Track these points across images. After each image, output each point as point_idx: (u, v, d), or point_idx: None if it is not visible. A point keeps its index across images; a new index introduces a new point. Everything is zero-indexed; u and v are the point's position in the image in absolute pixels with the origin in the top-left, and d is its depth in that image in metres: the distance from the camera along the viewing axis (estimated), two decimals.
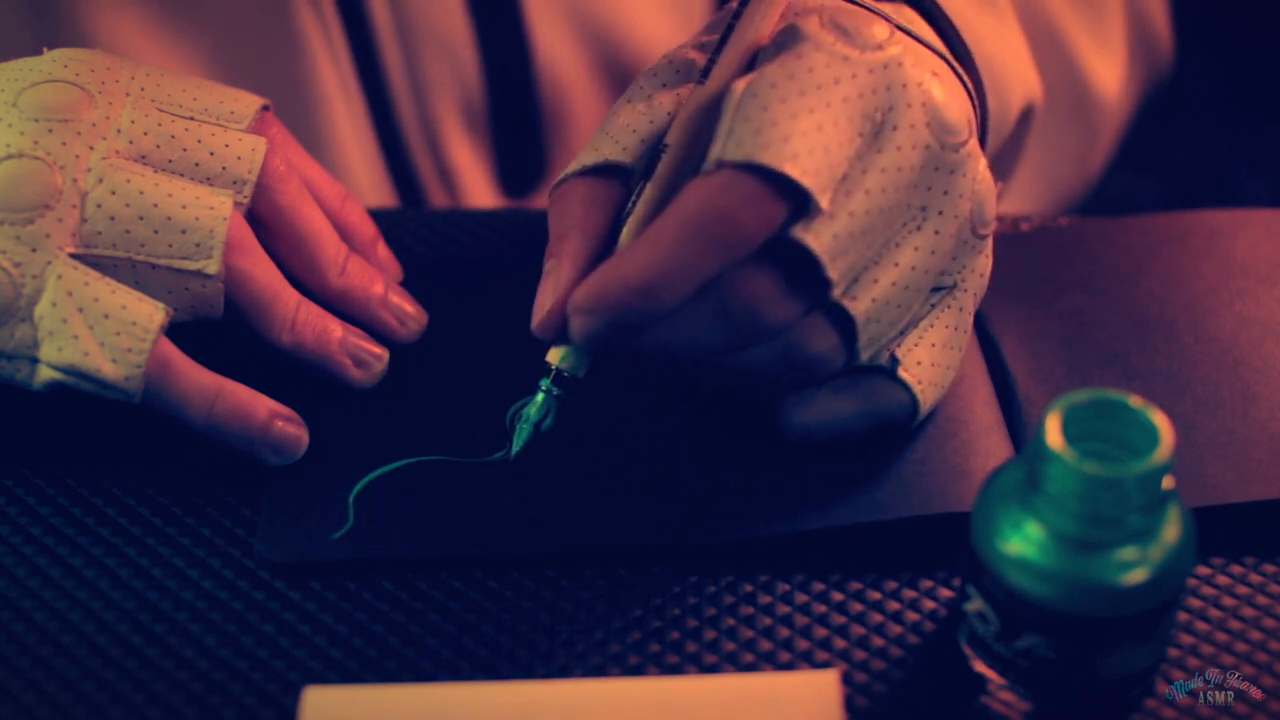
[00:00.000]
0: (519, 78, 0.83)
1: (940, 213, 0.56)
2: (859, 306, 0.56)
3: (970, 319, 0.60)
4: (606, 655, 0.54)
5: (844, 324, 0.56)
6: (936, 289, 0.59)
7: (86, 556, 0.57)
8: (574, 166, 0.57)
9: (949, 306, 0.59)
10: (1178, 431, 0.54)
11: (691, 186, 0.53)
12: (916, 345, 0.58)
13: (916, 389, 0.58)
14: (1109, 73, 0.83)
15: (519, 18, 0.82)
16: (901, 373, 0.58)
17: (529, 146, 0.86)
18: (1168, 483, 0.48)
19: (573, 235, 0.56)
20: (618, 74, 0.86)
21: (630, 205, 0.56)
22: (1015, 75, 0.66)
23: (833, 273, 0.54)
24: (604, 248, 0.56)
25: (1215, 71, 1.20)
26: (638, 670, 0.54)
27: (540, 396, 0.57)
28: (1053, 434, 0.48)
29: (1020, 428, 0.61)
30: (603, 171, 0.57)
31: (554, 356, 0.57)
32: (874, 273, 0.56)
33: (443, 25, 0.81)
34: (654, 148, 0.57)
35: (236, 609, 0.56)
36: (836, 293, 0.55)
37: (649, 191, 0.56)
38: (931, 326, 0.59)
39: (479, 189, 0.86)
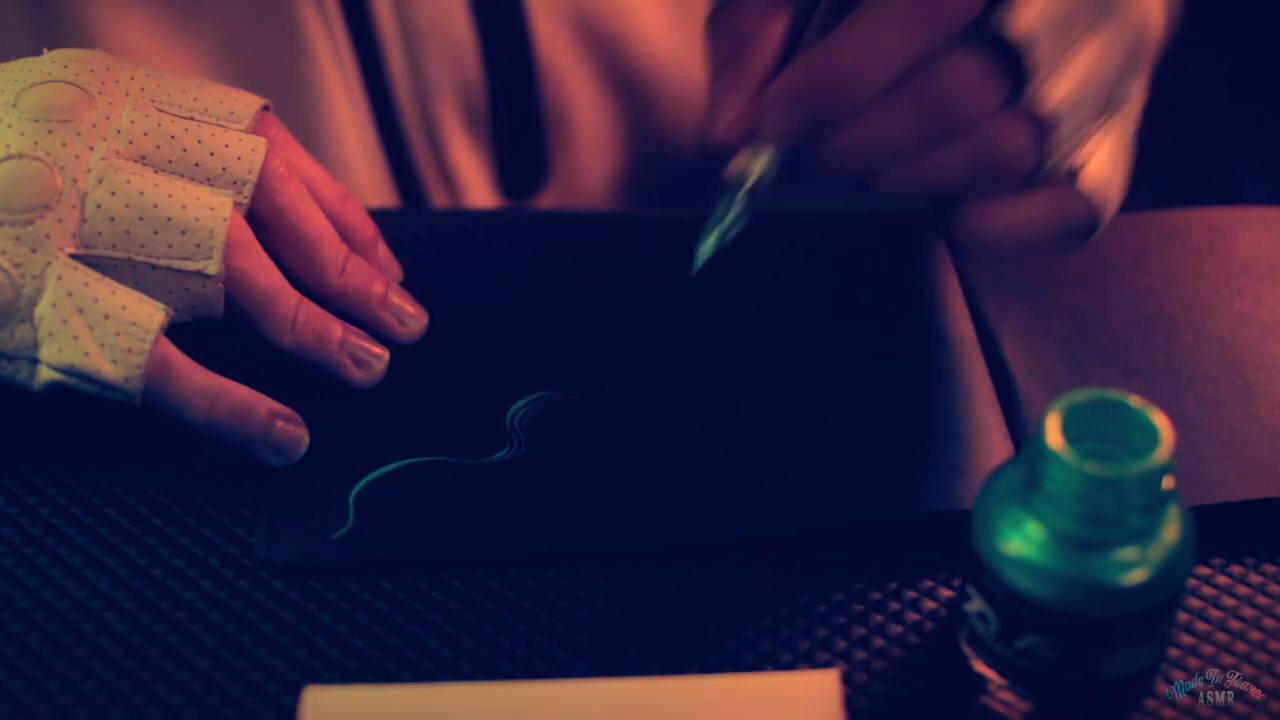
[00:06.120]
0: (521, 80, 0.83)
1: (1120, 17, 0.57)
2: (1050, 103, 0.56)
3: (1131, 140, 0.61)
4: (606, 655, 0.54)
5: (1035, 123, 0.56)
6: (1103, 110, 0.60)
7: (86, 556, 0.57)
8: None
9: (1117, 122, 0.60)
10: (1178, 430, 0.54)
11: None
12: (1092, 157, 0.59)
13: (1096, 197, 0.59)
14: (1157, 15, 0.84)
15: (522, 21, 0.82)
16: (1081, 182, 0.58)
17: (530, 148, 0.86)
18: (1168, 483, 0.48)
19: (750, 51, 0.56)
20: (620, 77, 0.86)
21: (808, 35, 0.56)
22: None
23: (1030, 63, 0.55)
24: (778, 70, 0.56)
25: (1217, 67, 1.20)
26: (638, 670, 0.54)
27: (734, 207, 0.56)
28: (1053, 434, 0.48)
29: (1020, 428, 0.61)
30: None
31: (741, 162, 0.56)
32: (1065, 69, 0.56)
33: (446, 27, 0.81)
34: None
35: (236, 609, 0.56)
36: (1035, 83, 0.55)
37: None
38: (1103, 141, 0.59)
39: (480, 190, 0.86)
